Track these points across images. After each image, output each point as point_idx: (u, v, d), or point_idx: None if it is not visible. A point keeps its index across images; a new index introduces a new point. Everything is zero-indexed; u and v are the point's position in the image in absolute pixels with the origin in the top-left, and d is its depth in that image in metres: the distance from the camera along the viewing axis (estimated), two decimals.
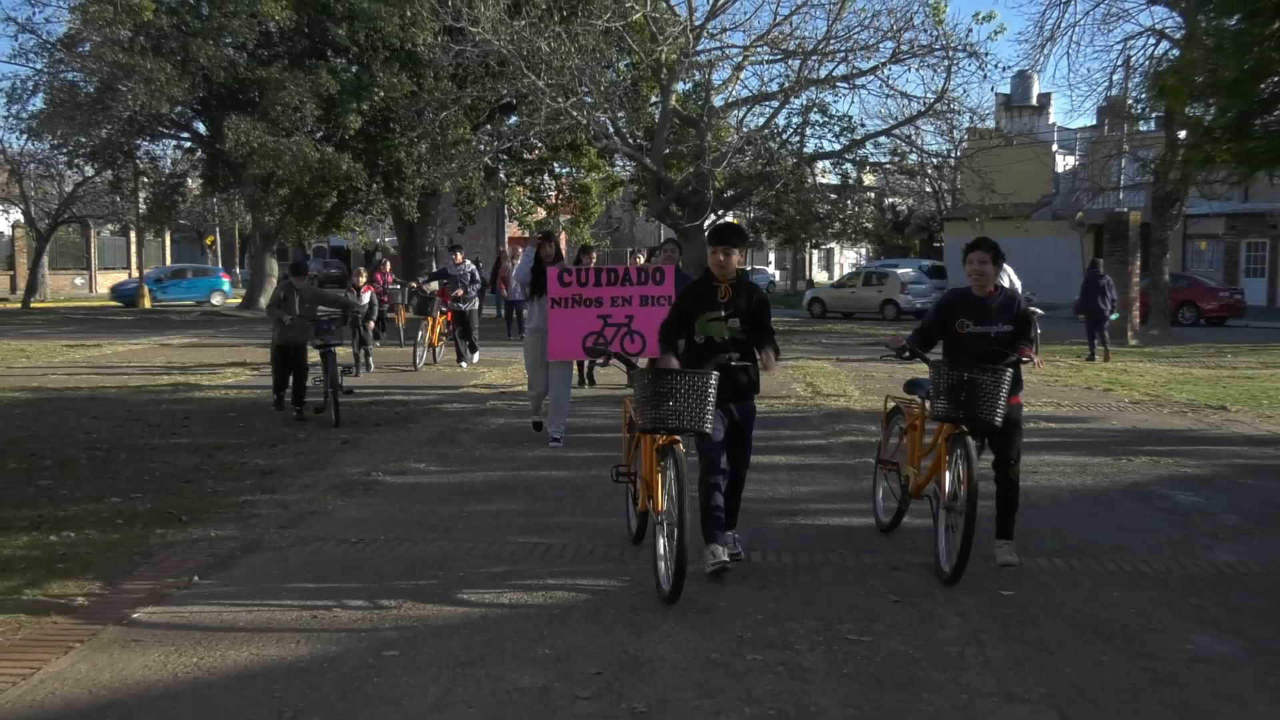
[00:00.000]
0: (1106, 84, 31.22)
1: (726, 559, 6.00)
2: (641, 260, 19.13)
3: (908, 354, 6.77)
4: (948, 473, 6.28)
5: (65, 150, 33.87)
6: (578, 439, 10.70)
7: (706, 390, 5.77)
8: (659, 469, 5.99)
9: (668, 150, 28.28)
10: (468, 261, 18.52)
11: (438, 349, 18.94)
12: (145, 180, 37.25)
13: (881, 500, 7.41)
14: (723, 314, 6.26)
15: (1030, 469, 9.35)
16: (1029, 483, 8.80)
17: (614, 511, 7.60)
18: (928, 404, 6.63)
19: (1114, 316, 21.19)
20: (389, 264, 21.57)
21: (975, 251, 6.58)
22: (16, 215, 44.27)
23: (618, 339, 10.08)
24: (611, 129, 27.88)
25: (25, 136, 34.13)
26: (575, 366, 13.38)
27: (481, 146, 31.67)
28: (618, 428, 11.02)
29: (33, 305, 38.37)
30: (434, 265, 30.75)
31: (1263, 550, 6.88)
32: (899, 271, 36.69)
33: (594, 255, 16.44)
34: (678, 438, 5.86)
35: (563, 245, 30.68)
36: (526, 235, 42.44)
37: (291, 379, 12.23)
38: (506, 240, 50.92)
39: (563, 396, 10.68)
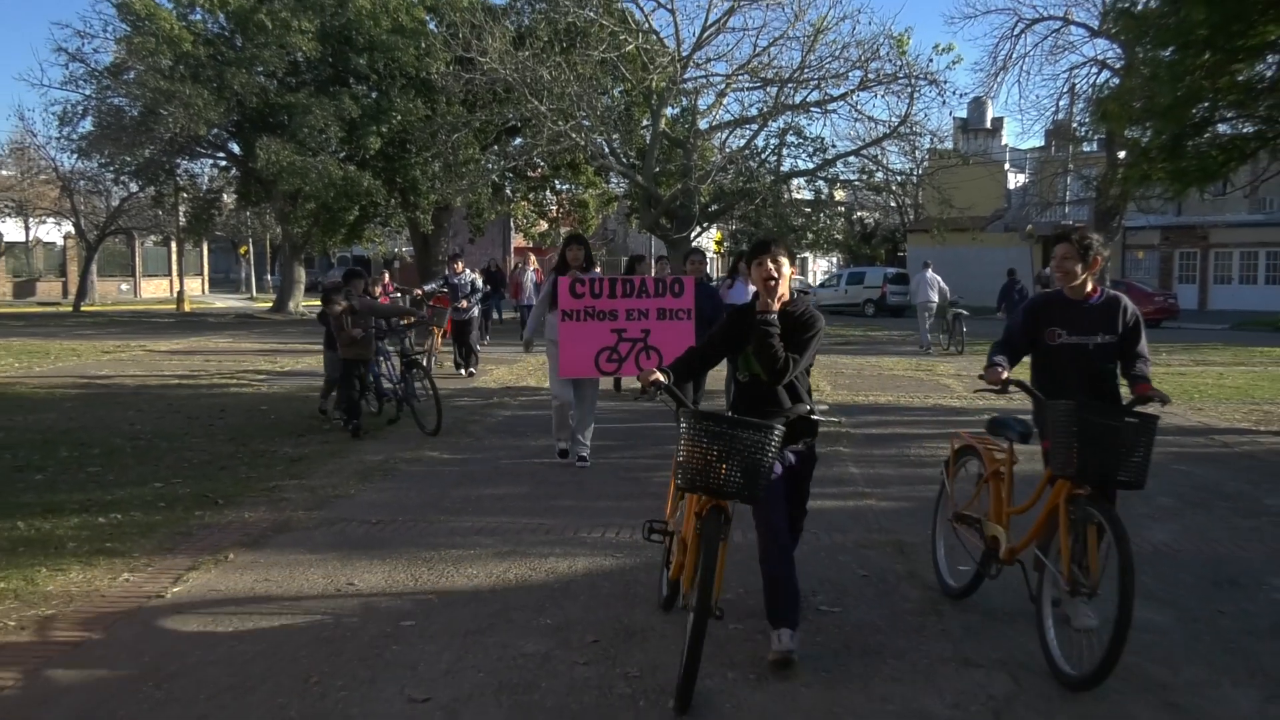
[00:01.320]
0: (1053, 109, 31.33)
1: (792, 647, 4.36)
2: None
3: (1011, 387, 5.00)
4: (1067, 542, 4.46)
5: (112, 168, 33.83)
6: None
7: (767, 449, 4.17)
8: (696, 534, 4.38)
9: (658, 169, 28.30)
10: (468, 271, 17.35)
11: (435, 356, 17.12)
12: (185, 195, 37.23)
13: (945, 559, 5.62)
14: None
15: None
16: None
17: (610, 495, 7.67)
18: (1014, 446, 5.15)
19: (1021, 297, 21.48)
20: (387, 274, 19.73)
21: (1061, 244, 5.03)
22: (68, 227, 44.10)
23: (633, 355, 8.40)
24: (607, 150, 27.90)
25: (76, 156, 34.06)
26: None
27: (489, 165, 31.65)
28: (624, 424, 11.12)
29: (82, 309, 38.25)
30: (449, 273, 30.65)
31: (1193, 529, 6.90)
32: (885, 272, 37.30)
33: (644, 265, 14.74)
34: (724, 503, 4.28)
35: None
36: (531, 245, 42.43)
37: (341, 390, 10.89)
38: (512, 250, 50.90)
39: (588, 410, 8.88)
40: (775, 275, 4.52)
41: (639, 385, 4.97)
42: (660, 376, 4.47)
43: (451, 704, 4.06)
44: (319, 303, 15.95)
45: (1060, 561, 4.43)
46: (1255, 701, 4.10)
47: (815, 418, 4.62)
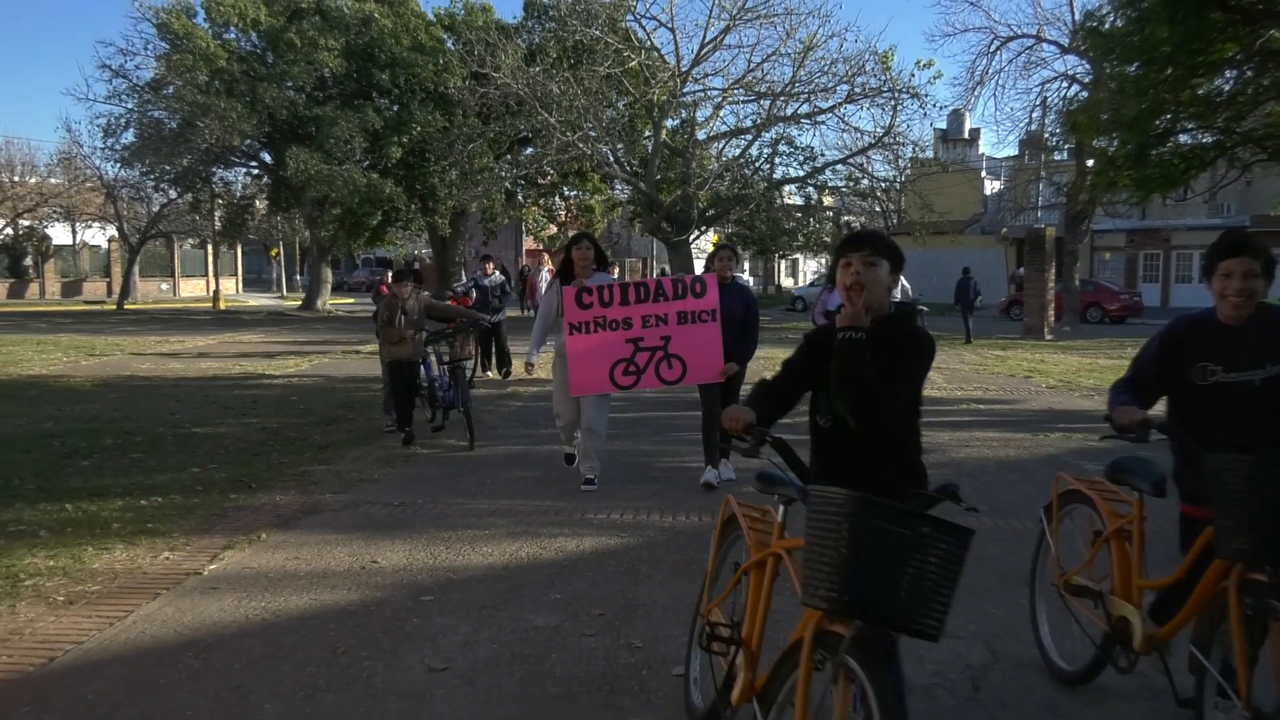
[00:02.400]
0: (1027, 120, 31.27)
1: None
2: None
3: (1151, 433, 3.43)
4: (1243, 646, 2.90)
5: (152, 176, 33.87)
6: None
7: (958, 561, 2.39)
8: (808, 669, 2.55)
9: (659, 176, 28.28)
10: (497, 273, 15.62)
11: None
12: (220, 202, 37.28)
13: (1051, 634, 4.17)
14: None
15: (962, 443, 9.37)
16: (961, 454, 8.84)
17: (614, 480, 7.64)
18: (1141, 497, 3.78)
19: (979, 301, 24.24)
20: (390, 273, 18.25)
21: (1229, 259, 3.31)
22: (112, 231, 44.15)
23: (652, 365, 6.97)
24: (612, 158, 27.89)
25: (119, 165, 34.21)
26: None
27: (503, 173, 31.66)
28: (627, 413, 10.68)
29: (125, 307, 38.29)
30: (463, 275, 30.65)
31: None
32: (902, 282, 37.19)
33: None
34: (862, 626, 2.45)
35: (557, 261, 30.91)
36: (541, 247, 42.37)
37: (391, 394, 9.91)
38: (524, 251, 50.85)
39: (597, 428, 7.35)
40: (862, 280, 2.94)
41: (732, 437, 2.84)
42: (749, 417, 2.89)
43: (468, 673, 4.06)
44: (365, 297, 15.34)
45: (1235, 674, 2.90)
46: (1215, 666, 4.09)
47: (959, 501, 2.73)
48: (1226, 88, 12.84)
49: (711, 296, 7.03)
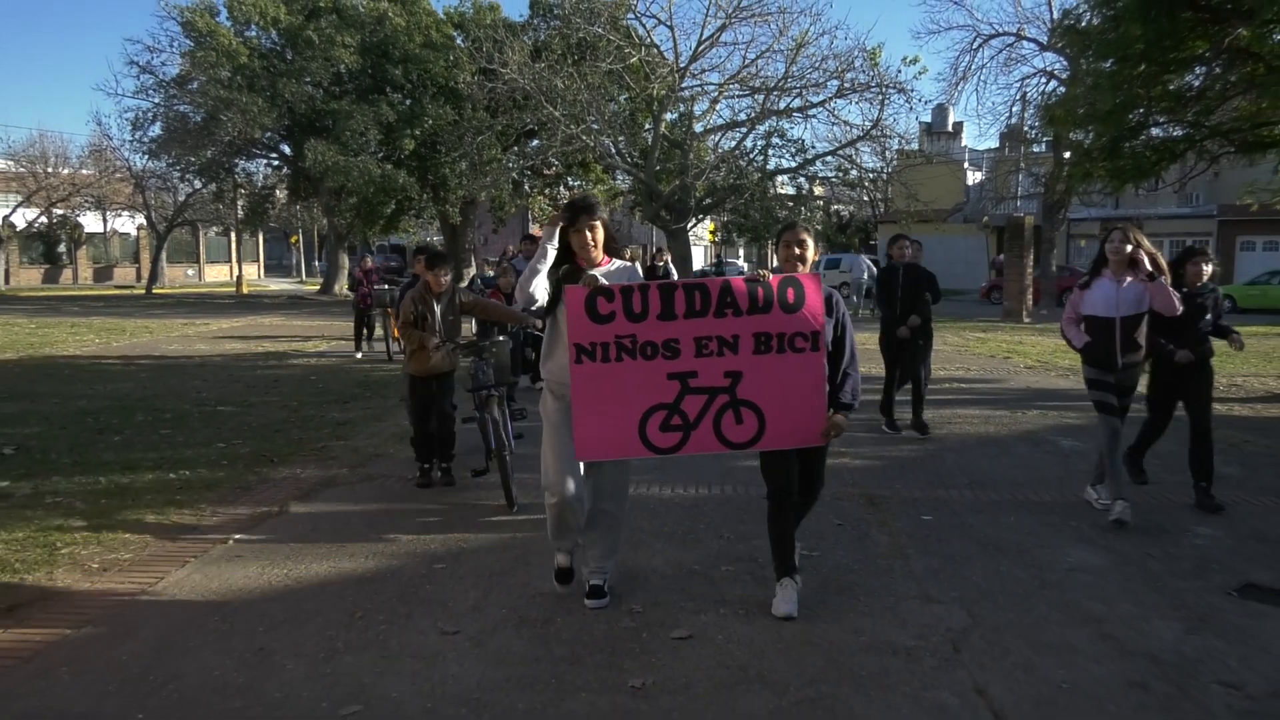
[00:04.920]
0: (1007, 114, 31.15)
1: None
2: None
3: None
4: None
5: (178, 168, 33.83)
6: None
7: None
8: None
9: (658, 167, 28.17)
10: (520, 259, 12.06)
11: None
12: (242, 191, 37.20)
13: None
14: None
15: (945, 420, 9.37)
16: (944, 430, 8.84)
17: None
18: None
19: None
20: (369, 259, 15.90)
21: None
22: (140, 220, 44.08)
23: (710, 418, 4.16)
24: (613, 150, 27.77)
25: (146, 157, 34.14)
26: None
27: (510, 164, 31.57)
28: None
29: (154, 292, 38.27)
30: (473, 261, 30.50)
31: (1127, 483, 6.90)
32: (862, 259, 37.41)
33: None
34: None
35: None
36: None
37: (435, 425, 6.78)
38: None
39: (614, 509, 4.53)
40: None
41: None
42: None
43: (478, 635, 4.08)
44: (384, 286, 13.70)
45: None
46: (1178, 632, 4.12)
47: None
48: (1196, 83, 12.78)
49: (812, 308, 4.09)
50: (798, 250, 4.36)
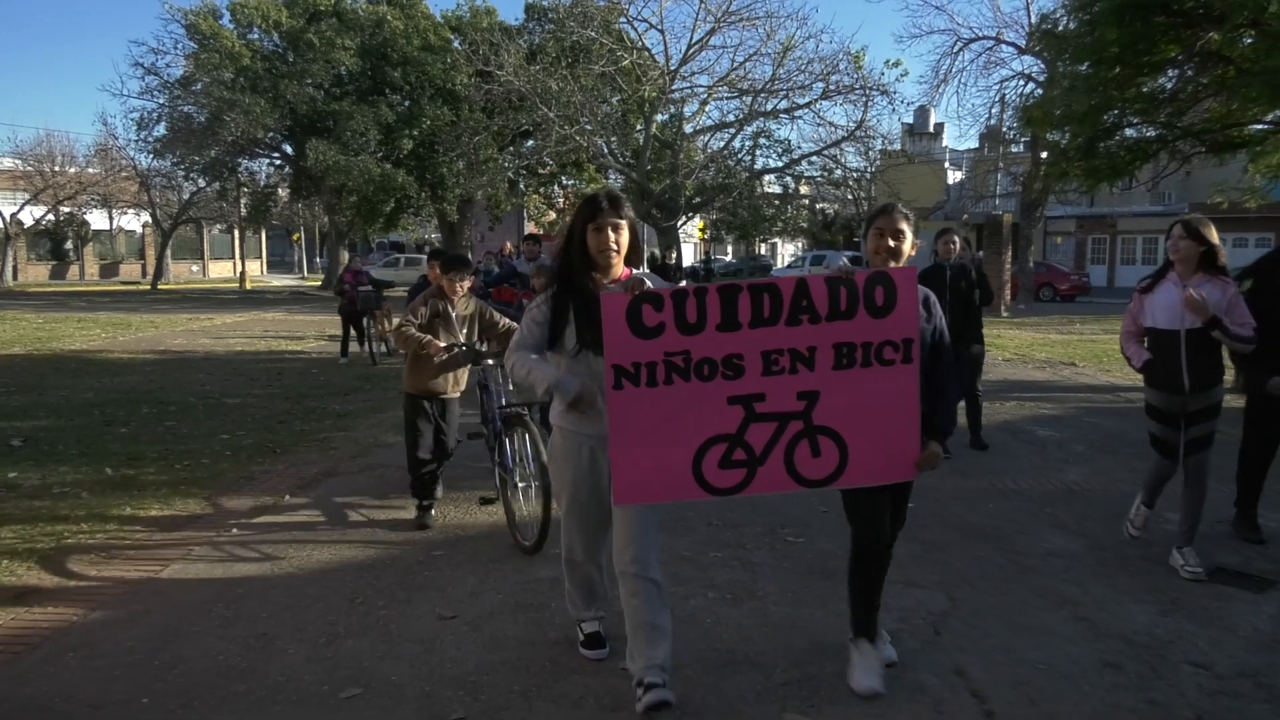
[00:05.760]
0: (986, 116, 31.13)
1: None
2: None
3: None
4: None
5: (183, 167, 33.65)
6: None
7: None
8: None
9: (649, 166, 28.16)
10: (545, 257, 10.26)
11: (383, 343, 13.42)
12: (245, 190, 37.03)
13: None
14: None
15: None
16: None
17: None
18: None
19: None
20: (348, 255, 15.50)
21: None
22: (146, 217, 43.88)
23: (780, 450, 3.22)
24: (606, 150, 27.75)
25: (152, 156, 33.94)
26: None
27: (506, 164, 31.48)
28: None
29: (159, 287, 38.11)
30: (472, 258, 30.35)
31: (1101, 471, 6.93)
32: (844, 255, 37.43)
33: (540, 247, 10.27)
34: None
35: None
36: (541, 233, 42.12)
37: (431, 450, 5.64)
38: (524, 237, 50.37)
39: (650, 571, 3.27)
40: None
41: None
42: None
43: (475, 620, 4.07)
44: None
45: None
46: (1150, 615, 4.13)
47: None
48: (1169, 86, 12.80)
49: (905, 310, 3.18)
50: (892, 241, 3.35)
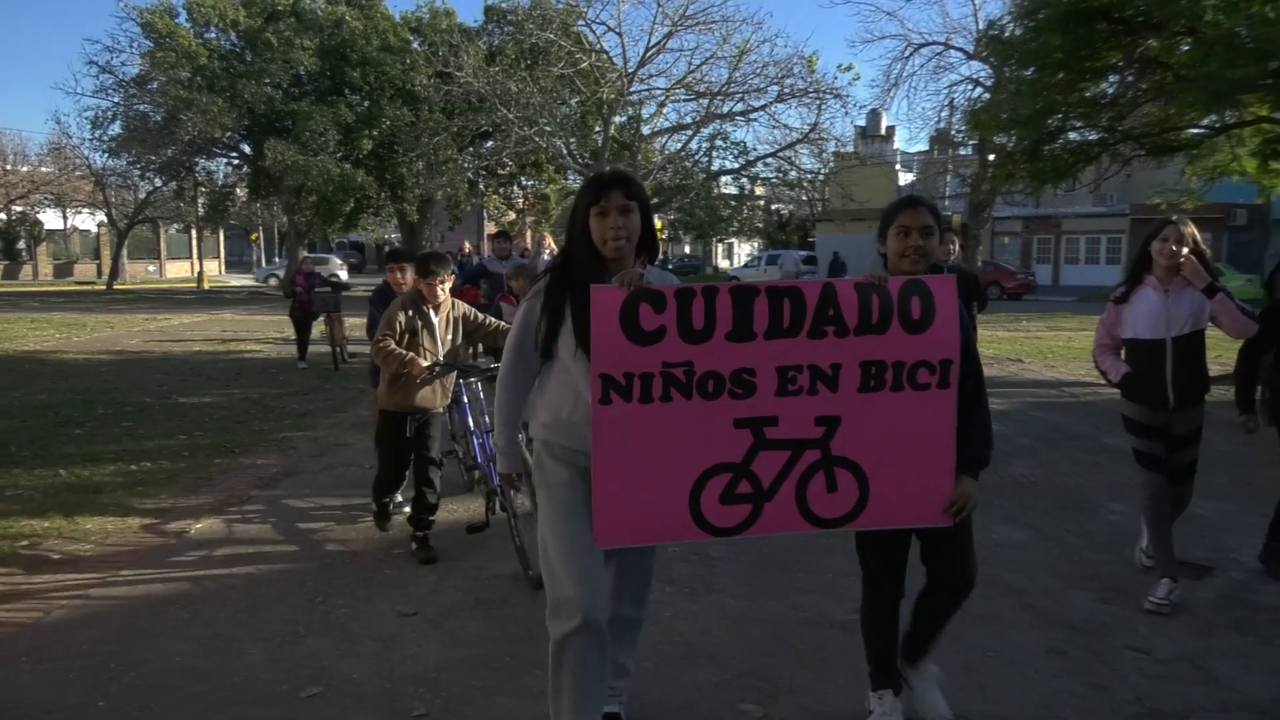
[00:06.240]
0: (936, 119, 31.47)
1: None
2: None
3: None
4: None
5: (139, 166, 32.94)
6: None
7: None
8: None
9: (608, 168, 28.13)
10: (515, 254, 10.32)
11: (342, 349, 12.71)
12: (203, 189, 36.33)
13: None
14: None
15: None
16: None
17: None
18: None
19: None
20: (304, 251, 14.27)
21: None
22: (101, 217, 42.95)
23: (791, 484, 2.71)
24: (565, 151, 27.68)
25: (107, 155, 33.18)
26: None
27: (465, 164, 31.28)
28: None
29: (115, 287, 37.32)
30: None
31: (1047, 465, 7.05)
32: (797, 254, 37.86)
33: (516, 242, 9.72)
34: None
35: (525, 242, 29.89)
36: (514, 232, 41.84)
37: (412, 472, 5.03)
38: (485, 237, 50.09)
39: (636, 612, 3.05)
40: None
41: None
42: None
43: (436, 617, 4.04)
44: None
45: None
46: (1093, 601, 4.21)
47: None
48: (1110, 91, 13.03)
49: (944, 325, 2.70)
50: (919, 239, 2.79)
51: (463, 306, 5.02)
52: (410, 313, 4.76)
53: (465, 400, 5.24)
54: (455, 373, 4.97)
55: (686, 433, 2.61)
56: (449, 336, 4.90)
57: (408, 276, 5.42)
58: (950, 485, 2.76)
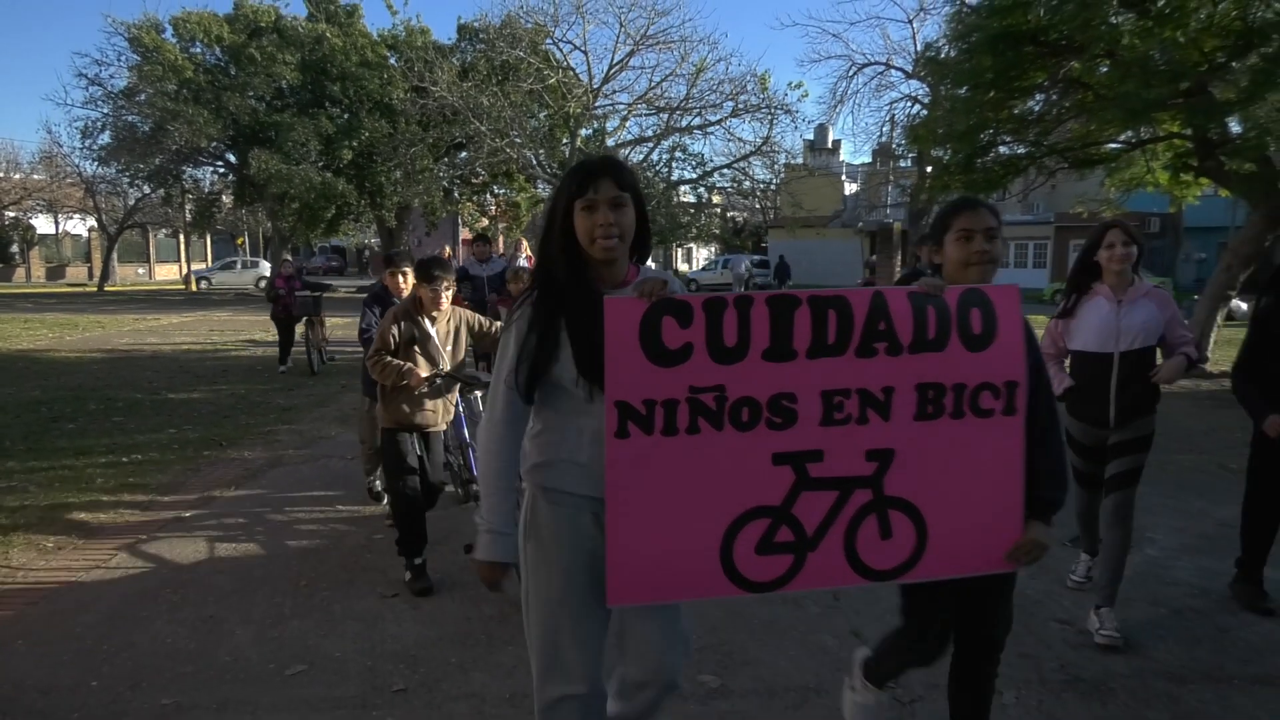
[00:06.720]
0: (878, 133, 31.89)
1: None
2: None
3: None
4: None
5: (128, 174, 32.29)
6: None
7: None
8: None
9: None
10: (524, 258, 10.15)
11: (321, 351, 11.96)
12: (190, 196, 35.68)
13: None
14: None
15: None
16: None
17: None
18: None
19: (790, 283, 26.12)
20: (288, 255, 13.39)
21: None
22: (91, 222, 42.02)
23: (839, 531, 2.14)
24: (535, 162, 27.53)
25: (96, 163, 32.47)
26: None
27: (441, 174, 31.03)
28: None
29: (105, 289, 36.55)
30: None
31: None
32: (750, 259, 38.43)
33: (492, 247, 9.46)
34: None
35: (497, 247, 29.67)
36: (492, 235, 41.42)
37: (389, 488, 4.37)
38: (460, 242, 49.75)
39: (669, 675, 2.23)
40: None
41: None
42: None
43: (414, 599, 4.02)
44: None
45: None
46: (1021, 578, 4.28)
47: None
48: (1037, 108, 13.21)
49: (1008, 342, 2.18)
50: (984, 243, 2.34)
51: (464, 314, 4.38)
52: (404, 325, 4.10)
53: (462, 411, 4.75)
54: (458, 386, 4.37)
55: (717, 470, 2.06)
56: (449, 348, 4.23)
57: (408, 281, 4.76)
58: (1017, 528, 2.22)
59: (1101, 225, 3.67)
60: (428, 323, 4.14)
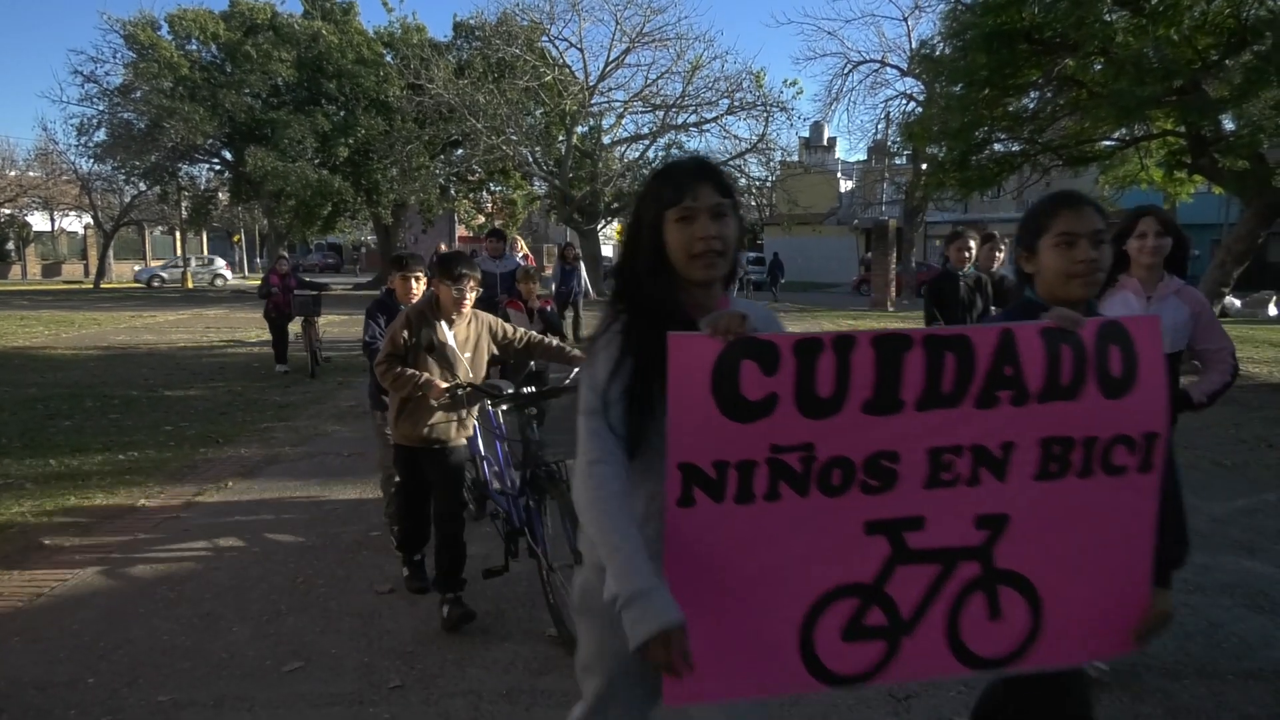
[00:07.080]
0: (874, 131, 31.92)
1: None
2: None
3: None
4: None
5: (123, 171, 32.25)
6: None
7: None
8: None
9: (571, 174, 28.05)
10: (520, 257, 9.55)
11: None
12: (186, 194, 35.63)
13: None
14: None
15: None
16: None
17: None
18: None
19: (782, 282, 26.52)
20: (284, 253, 13.32)
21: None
22: (87, 219, 41.93)
23: (939, 613, 1.72)
24: (531, 159, 27.55)
25: (92, 161, 32.43)
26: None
27: (437, 171, 31.01)
28: None
29: (101, 286, 36.46)
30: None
31: None
32: (746, 256, 38.20)
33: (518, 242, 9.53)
34: None
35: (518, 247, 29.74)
36: (472, 235, 41.54)
37: (436, 530, 3.84)
38: (456, 239, 49.63)
39: None
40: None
41: None
42: None
43: (410, 595, 4.01)
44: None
45: None
46: None
47: None
48: (1031, 106, 13.24)
49: (1150, 386, 1.72)
50: (1091, 251, 1.85)
51: (487, 319, 3.83)
52: (420, 329, 3.60)
53: (477, 422, 4.13)
54: (481, 399, 3.82)
55: (799, 543, 1.67)
56: (468, 355, 3.72)
57: (420, 287, 4.31)
58: (1145, 601, 1.81)
59: (1134, 211, 3.20)
60: (445, 327, 3.65)
